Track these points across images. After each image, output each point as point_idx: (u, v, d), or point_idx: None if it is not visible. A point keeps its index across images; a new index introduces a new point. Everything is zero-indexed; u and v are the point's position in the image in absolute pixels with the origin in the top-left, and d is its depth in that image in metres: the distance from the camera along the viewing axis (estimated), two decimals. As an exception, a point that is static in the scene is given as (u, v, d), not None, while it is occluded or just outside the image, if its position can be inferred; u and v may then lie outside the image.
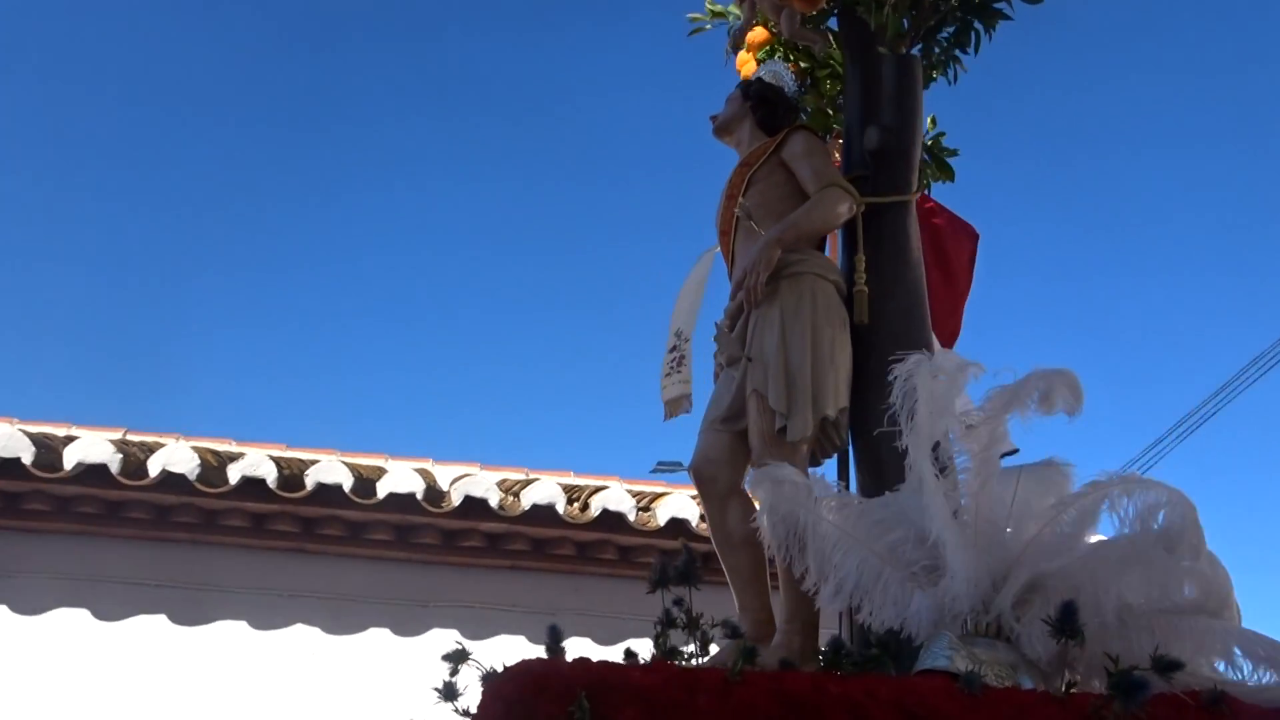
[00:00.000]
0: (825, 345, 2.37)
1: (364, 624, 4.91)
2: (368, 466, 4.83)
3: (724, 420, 2.49)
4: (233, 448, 4.80)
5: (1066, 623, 1.61)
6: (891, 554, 1.90)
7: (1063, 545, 1.79)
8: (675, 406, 2.91)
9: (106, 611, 4.74)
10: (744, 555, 2.36)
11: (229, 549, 4.85)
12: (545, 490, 4.89)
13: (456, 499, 4.80)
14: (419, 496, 4.75)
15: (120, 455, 4.53)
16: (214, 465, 4.64)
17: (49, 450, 4.51)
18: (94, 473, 4.52)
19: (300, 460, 4.81)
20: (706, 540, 2.67)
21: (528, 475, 5.05)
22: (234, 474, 4.61)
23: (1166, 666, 1.57)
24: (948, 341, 3.12)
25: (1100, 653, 1.61)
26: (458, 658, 1.64)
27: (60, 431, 4.64)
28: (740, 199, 2.58)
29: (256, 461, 4.66)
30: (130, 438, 4.71)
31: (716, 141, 2.96)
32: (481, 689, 1.60)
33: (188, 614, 4.79)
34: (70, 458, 4.47)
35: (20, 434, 4.51)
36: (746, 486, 2.43)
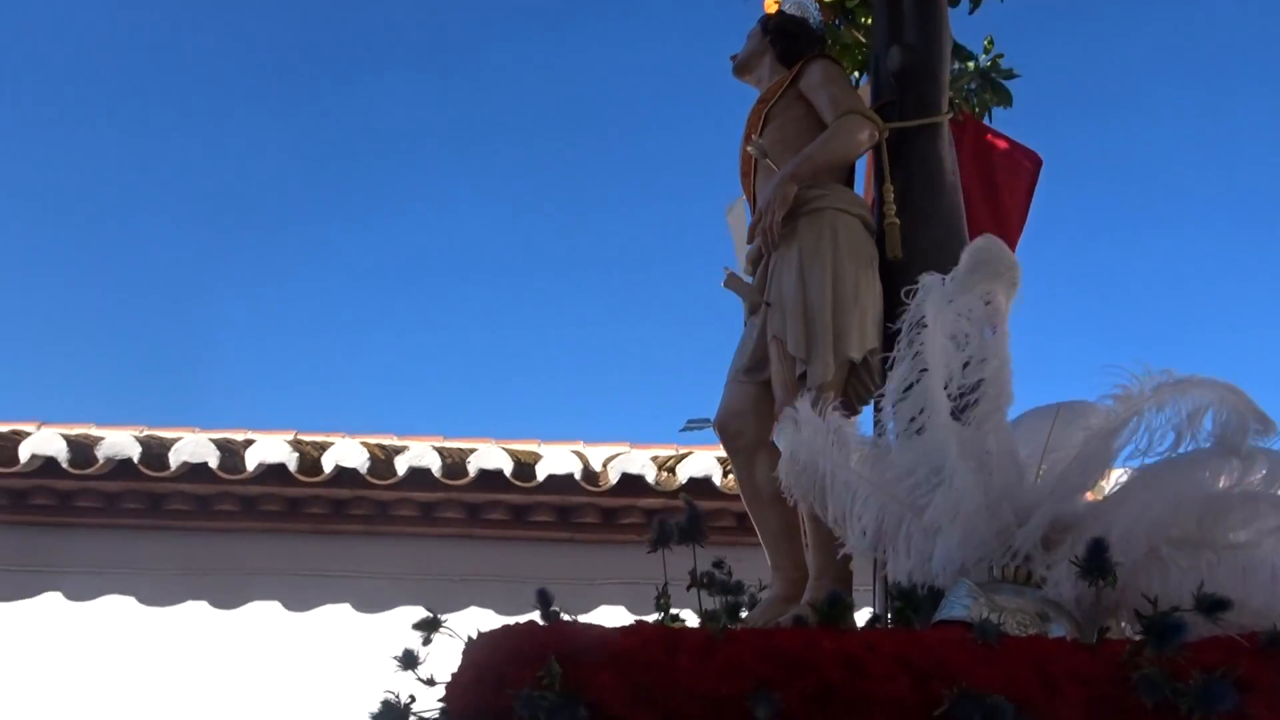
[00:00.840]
0: (848, 284, 2.20)
1: (532, 605, 4.85)
2: (524, 451, 4.93)
3: (747, 371, 2.34)
4: (395, 441, 4.95)
5: (1095, 562, 1.42)
6: (912, 500, 1.73)
7: (1093, 476, 1.59)
8: None
9: (298, 603, 4.96)
10: (773, 512, 2.22)
11: (401, 538, 5.03)
12: (701, 464, 4.86)
13: (614, 477, 4.86)
14: (577, 476, 4.81)
15: (296, 454, 4.78)
16: (381, 459, 4.84)
17: (232, 454, 4.81)
18: (274, 472, 4.78)
19: (461, 449, 4.92)
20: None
21: (678, 450, 5.02)
22: (401, 465, 4.78)
23: (1212, 606, 1.37)
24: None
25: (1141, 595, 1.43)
26: (429, 625, 1.56)
27: (239, 436, 4.91)
28: (754, 137, 2.42)
29: (420, 453, 4.82)
30: (302, 437, 4.92)
31: (738, 85, 2.80)
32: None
33: (368, 602, 4.94)
34: (251, 459, 4.75)
35: (208, 441, 4.78)
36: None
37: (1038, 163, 3.12)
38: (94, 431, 4.85)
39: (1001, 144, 3.08)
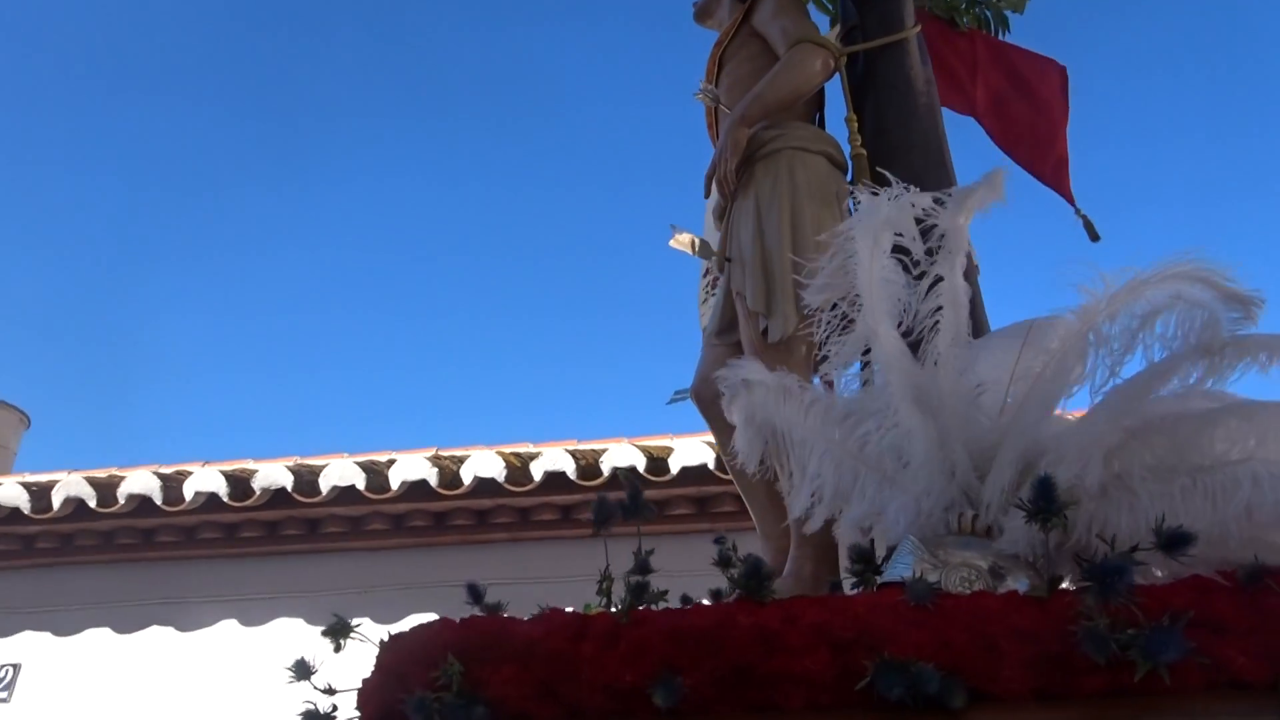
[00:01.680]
0: (807, 227, 2.02)
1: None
2: (657, 447, 4.92)
3: (719, 334, 2.19)
4: (531, 448, 5.02)
5: (1042, 504, 1.24)
6: (863, 451, 1.56)
7: (1050, 408, 1.39)
8: None
9: (457, 614, 5.03)
10: (758, 482, 2.07)
11: (543, 543, 5.03)
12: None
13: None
14: (710, 466, 4.69)
15: (436, 470, 4.88)
16: (518, 466, 4.91)
17: (377, 474, 4.95)
18: (416, 489, 4.90)
19: (593, 450, 4.93)
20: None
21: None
22: (536, 471, 4.84)
23: (1171, 542, 1.17)
24: (1055, 173, 2.68)
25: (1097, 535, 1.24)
26: (338, 631, 1.48)
27: (383, 457, 5.06)
28: (704, 83, 2.26)
29: (555, 457, 4.85)
30: (441, 453, 5.05)
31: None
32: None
33: (521, 608, 4.98)
34: (395, 478, 4.89)
35: (354, 464, 4.94)
36: None
37: (1061, 70, 2.89)
38: (250, 465, 5.05)
39: (1020, 52, 2.87)
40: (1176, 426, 1.30)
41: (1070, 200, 2.59)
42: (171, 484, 4.98)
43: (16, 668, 5.14)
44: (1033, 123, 2.65)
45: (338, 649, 1.47)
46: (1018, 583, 1.32)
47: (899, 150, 2.15)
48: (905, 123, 2.17)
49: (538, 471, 4.81)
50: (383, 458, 5.01)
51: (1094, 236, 2.51)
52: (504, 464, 4.84)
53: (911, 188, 1.56)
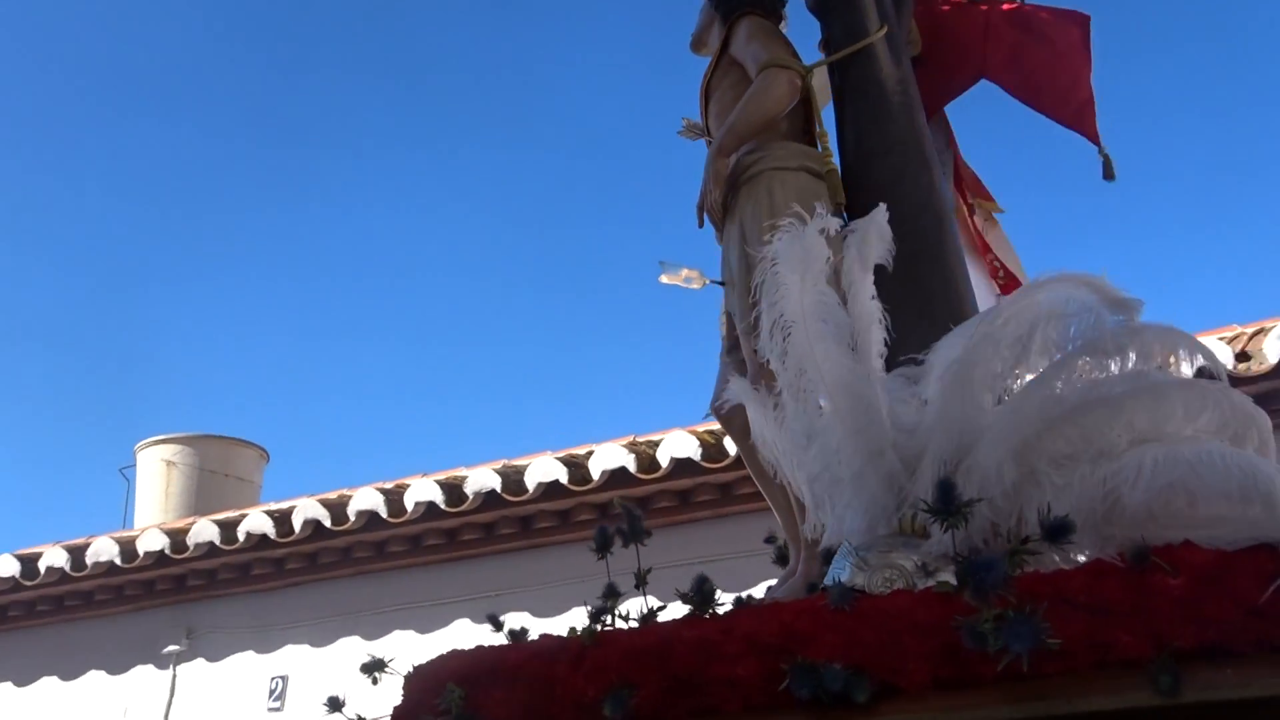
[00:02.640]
0: None
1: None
2: None
3: (728, 352, 2.32)
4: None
5: (943, 504, 1.32)
6: (823, 466, 1.67)
7: (965, 408, 1.46)
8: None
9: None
10: (775, 488, 2.18)
11: (745, 516, 4.73)
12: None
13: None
14: None
15: (633, 456, 4.91)
16: (713, 444, 4.79)
17: (578, 467, 5.03)
18: (617, 477, 4.89)
19: None
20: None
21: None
22: (732, 447, 4.44)
23: (1054, 531, 1.24)
24: (1080, 116, 2.57)
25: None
26: (373, 667, 1.71)
27: (582, 450, 5.11)
28: (685, 120, 2.39)
29: None
30: (638, 439, 5.07)
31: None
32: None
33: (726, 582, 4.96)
34: (595, 468, 4.92)
35: (555, 460, 5.03)
36: None
37: (1082, 20, 2.81)
38: (461, 472, 5.26)
39: (1037, 9, 2.81)
40: (1085, 415, 1.36)
41: (1095, 139, 2.50)
42: (393, 497, 5.26)
43: (285, 679, 5.63)
44: (1052, 69, 2.57)
45: (375, 683, 1.71)
46: (949, 578, 1.41)
47: (876, 154, 2.21)
48: (881, 126, 2.23)
49: (733, 447, 4.41)
50: (581, 450, 5.06)
51: (1109, 175, 2.44)
52: (699, 444, 4.74)
53: (827, 218, 1.66)
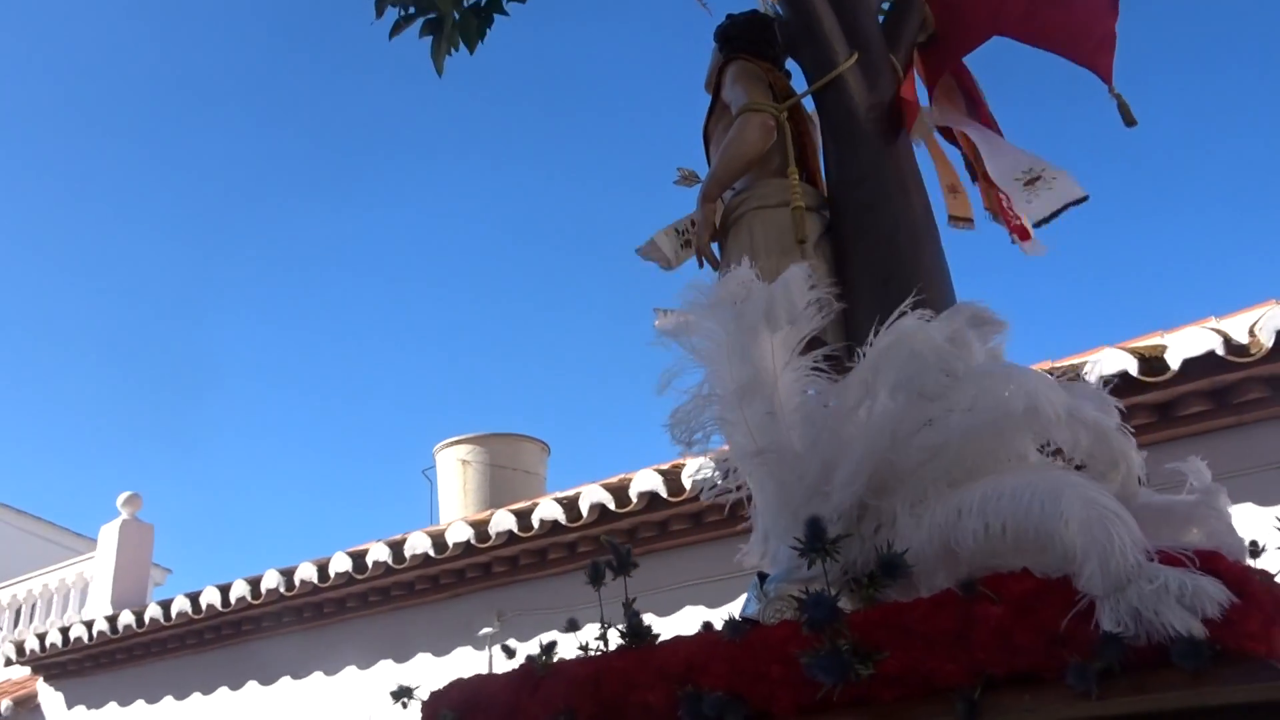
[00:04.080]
0: (768, 277, 2.23)
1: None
2: (1150, 347, 4.23)
3: None
4: (1160, 339, 4.34)
5: (810, 542, 1.44)
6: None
7: (841, 450, 1.56)
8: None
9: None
10: None
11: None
12: None
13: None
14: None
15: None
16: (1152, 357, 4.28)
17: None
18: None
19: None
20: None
21: None
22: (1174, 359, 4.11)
23: (887, 569, 1.34)
24: (1096, 52, 2.45)
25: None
26: (401, 694, 1.99)
27: None
28: (679, 169, 2.54)
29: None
30: None
31: None
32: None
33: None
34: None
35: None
36: None
37: None
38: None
39: None
40: (930, 456, 1.44)
41: (1108, 80, 2.39)
42: (671, 477, 5.33)
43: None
44: (1068, 6, 2.47)
45: (404, 708, 2.00)
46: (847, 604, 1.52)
47: (850, 182, 2.29)
48: (853, 154, 2.29)
49: (1175, 359, 4.05)
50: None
51: (1129, 121, 2.32)
52: (1135, 360, 4.11)
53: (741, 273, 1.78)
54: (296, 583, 6.73)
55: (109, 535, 8.94)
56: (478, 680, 1.86)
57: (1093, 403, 1.49)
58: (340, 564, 6.58)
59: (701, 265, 2.49)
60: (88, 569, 9.25)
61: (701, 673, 1.49)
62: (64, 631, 8.12)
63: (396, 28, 2.85)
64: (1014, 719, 1.18)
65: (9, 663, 8.67)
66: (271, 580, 6.86)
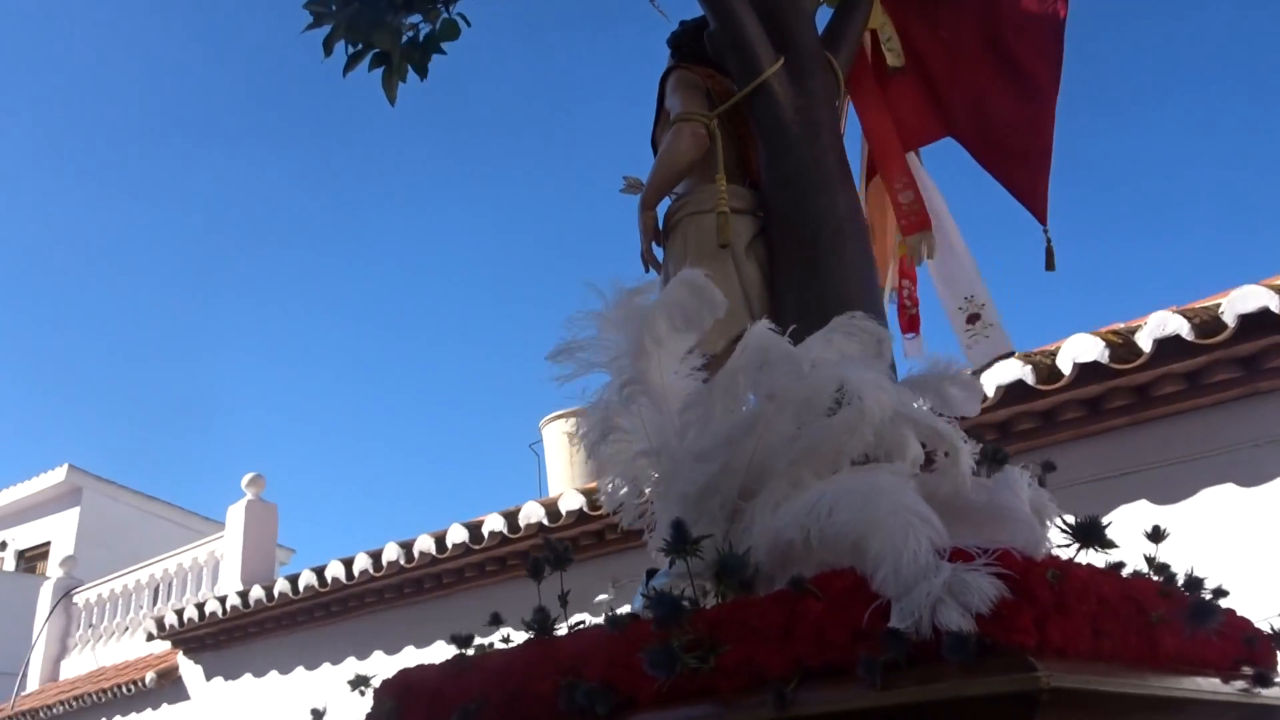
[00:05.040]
0: None
1: None
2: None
3: None
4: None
5: (674, 542, 1.57)
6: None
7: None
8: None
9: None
10: None
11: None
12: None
13: None
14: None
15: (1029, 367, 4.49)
16: (1119, 344, 4.36)
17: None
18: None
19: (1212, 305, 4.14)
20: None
21: None
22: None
23: (726, 568, 1.45)
24: (1033, 177, 2.57)
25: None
26: (358, 683, 2.17)
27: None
28: (625, 177, 2.65)
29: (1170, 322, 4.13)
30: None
31: None
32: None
33: None
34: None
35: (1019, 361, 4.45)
36: None
37: (1054, 18, 2.72)
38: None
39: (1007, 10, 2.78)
40: (771, 457, 1.55)
41: (1042, 217, 2.47)
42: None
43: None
44: (1016, 117, 2.56)
45: (362, 695, 2.18)
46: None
47: (779, 183, 2.37)
48: (780, 157, 2.37)
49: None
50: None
51: (1050, 266, 2.42)
52: (1105, 346, 4.24)
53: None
54: (416, 554, 7.03)
55: (236, 515, 9.49)
56: (416, 670, 2.03)
57: (933, 399, 1.56)
58: (457, 535, 6.84)
59: (646, 270, 2.61)
60: (218, 548, 9.85)
61: (586, 664, 1.63)
62: (199, 607, 8.66)
63: (349, 64, 3.02)
64: (815, 710, 1.29)
65: (150, 638, 9.28)
66: (392, 553, 7.19)
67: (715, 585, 1.54)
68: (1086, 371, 4.43)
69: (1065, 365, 4.46)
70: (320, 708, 2.21)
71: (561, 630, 2.00)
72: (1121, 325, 4.48)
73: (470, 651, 1.99)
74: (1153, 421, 4.51)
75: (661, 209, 2.71)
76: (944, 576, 1.23)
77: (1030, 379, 4.53)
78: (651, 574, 1.84)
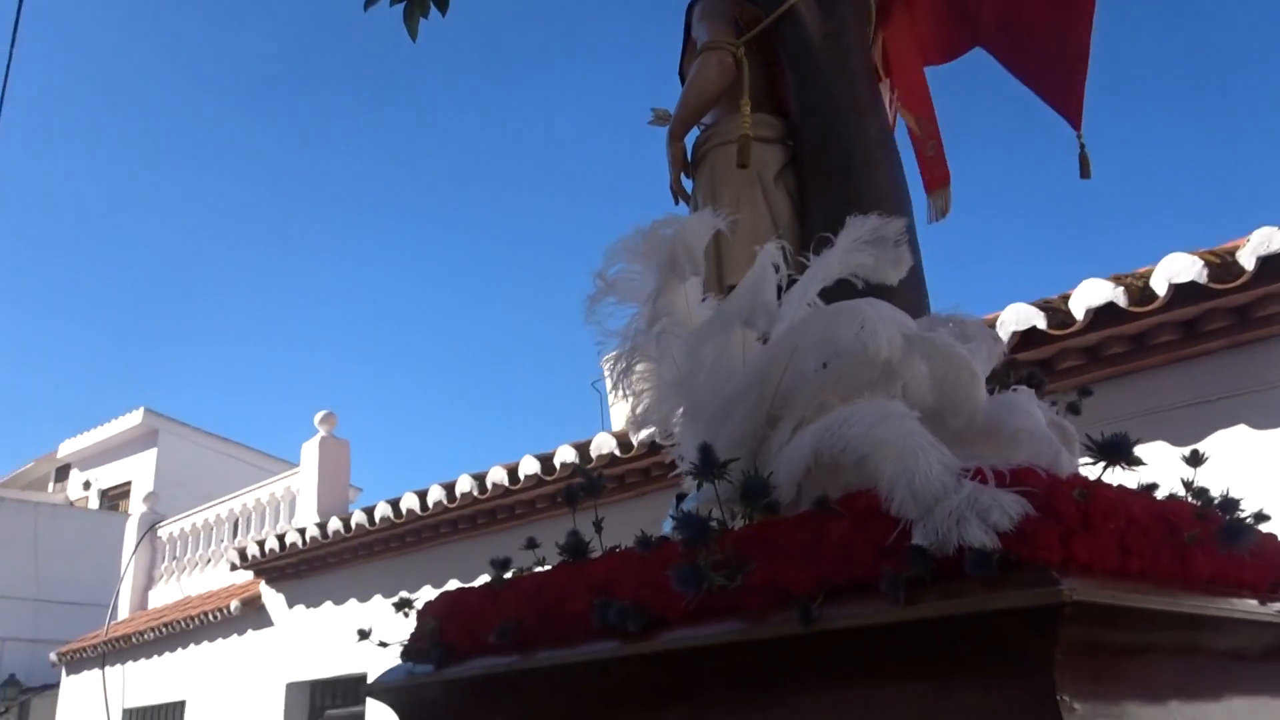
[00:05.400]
0: (726, 209, 2.32)
1: None
2: None
3: None
4: None
5: (702, 464, 1.58)
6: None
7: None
8: None
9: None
10: None
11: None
12: None
13: None
14: None
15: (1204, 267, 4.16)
16: (1217, 264, 4.15)
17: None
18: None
19: None
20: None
21: None
22: None
23: (750, 492, 1.47)
24: (1067, 82, 2.48)
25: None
26: (402, 605, 2.24)
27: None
28: (653, 109, 2.61)
29: None
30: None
31: None
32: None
33: None
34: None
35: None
36: None
37: None
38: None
39: None
40: (802, 381, 1.55)
41: (1076, 122, 2.37)
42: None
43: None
44: (1051, 19, 2.44)
45: (405, 617, 2.25)
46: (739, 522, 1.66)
47: (807, 112, 2.33)
48: (808, 84, 2.32)
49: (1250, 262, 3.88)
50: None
51: (1085, 174, 2.32)
52: (1204, 265, 4.01)
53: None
54: (489, 486, 7.16)
55: (310, 451, 9.76)
56: (457, 593, 2.09)
57: (949, 330, 1.55)
58: (529, 467, 6.95)
59: (676, 202, 2.59)
60: (293, 483, 10.15)
61: (617, 584, 1.66)
62: (280, 538, 8.95)
63: (369, 0, 2.99)
64: (840, 625, 1.31)
65: (234, 568, 9.65)
66: (465, 484, 7.33)
67: (741, 507, 1.55)
68: (1182, 292, 4.20)
69: (1160, 287, 4.22)
70: (366, 628, 2.29)
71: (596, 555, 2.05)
72: (1219, 247, 4.31)
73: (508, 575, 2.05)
74: (1253, 344, 4.31)
75: (691, 140, 2.69)
76: (966, 494, 1.23)
77: (1122, 301, 4.31)
78: (681, 498, 1.87)
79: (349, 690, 8.43)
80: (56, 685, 12.54)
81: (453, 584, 7.56)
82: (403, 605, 2.26)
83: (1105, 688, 1.23)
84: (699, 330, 1.76)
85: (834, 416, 1.44)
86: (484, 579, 2.07)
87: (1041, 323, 4.48)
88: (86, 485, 18.05)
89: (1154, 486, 1.70)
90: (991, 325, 4.34)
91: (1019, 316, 4.57)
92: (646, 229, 1.89)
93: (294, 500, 10.10)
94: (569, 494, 2.18)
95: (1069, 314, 4.46)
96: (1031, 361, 4.38)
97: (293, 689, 8.82)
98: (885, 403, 1.44)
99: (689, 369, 1.79)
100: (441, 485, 7.54)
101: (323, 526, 8.52)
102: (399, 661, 2.17)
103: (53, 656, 12.07)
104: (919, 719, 1.25)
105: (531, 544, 2.08)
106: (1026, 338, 4.56)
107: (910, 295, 1.97)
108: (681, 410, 1.86)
